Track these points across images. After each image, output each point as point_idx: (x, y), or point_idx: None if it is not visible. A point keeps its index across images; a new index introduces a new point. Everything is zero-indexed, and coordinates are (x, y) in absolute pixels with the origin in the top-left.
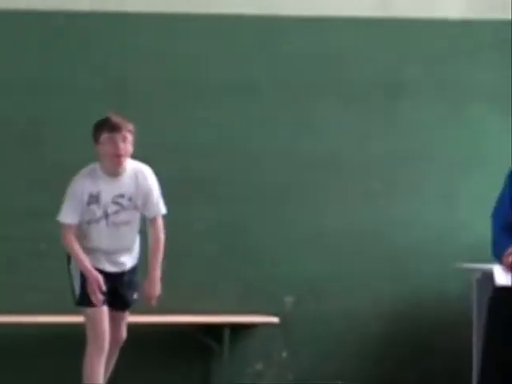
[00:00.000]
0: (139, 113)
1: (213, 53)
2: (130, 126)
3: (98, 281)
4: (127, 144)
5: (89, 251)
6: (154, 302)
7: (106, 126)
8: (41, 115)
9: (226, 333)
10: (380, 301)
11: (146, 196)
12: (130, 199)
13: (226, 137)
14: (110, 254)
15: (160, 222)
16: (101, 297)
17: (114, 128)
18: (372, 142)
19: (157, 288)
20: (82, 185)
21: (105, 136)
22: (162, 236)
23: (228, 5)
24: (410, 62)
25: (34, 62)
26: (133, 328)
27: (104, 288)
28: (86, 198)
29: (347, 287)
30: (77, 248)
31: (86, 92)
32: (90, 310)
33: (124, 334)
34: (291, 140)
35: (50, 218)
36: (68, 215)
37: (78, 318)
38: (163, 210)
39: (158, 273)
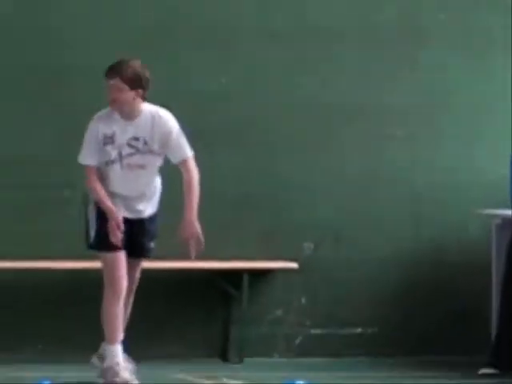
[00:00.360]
0: (164, 59)
1: None
2: (116, 74)
3: (117, 220)
4: (111, 91)
5: (108, 195)
6: (193, 246)
7: None
8: (68, 64)
9: (246, 279)
10: (400, 246)
11: (164, 140)
12: (145, 142)
13: (254, 84)
14: (127, 200)
15: (190, 165)
16: (120, 236)
17: (105, 74)
18: (395, 88)
19: (193, 230)
20: (97, 126)
21: None
22: (193, 178)
23: None
24: (435, 8)
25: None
26: (152, 274)
27: (123, 228)
28: (101, 138)
29: (366, 233)
30: (99, 188)
31: (110, 42)
32: (107, 255)
33: (137, 280)
34: (316, 88)
35: (74, 166)
36: (87, 157)
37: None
38: (189, 152)
39: (192, 215)
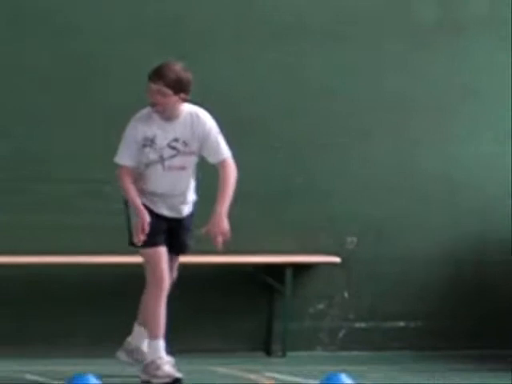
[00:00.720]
0: (199, 57)
1: None
2: (159, 78)
3: (144, 221)
4: (155, 95)
5: (147, 194)
6: (220, 239)
7: None
8: (108, 64)
9: (289, 272)
10: (441, 241)
11: (203, 140)
12: (185, 143)
13: (300, 78)
14: (167, 199)
15: (227, 164)
16: (143, 237)
17: (148, 77)
18: (435, 81)
19: (222, 225)
20: (136, 127)
21: None
22: (230, 176)
23: None
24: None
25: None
26: (197, 268)
27: (147, 230)
28: (140, 140)
29: (408, 228)
30: (130, 188)
31: (142, 35)
32: (149, 251)
33: (175, 275)
34: (356, 82)
35: (114, 162)
36: (123, 157)
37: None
38: (226, 152)
39: (222, 211)
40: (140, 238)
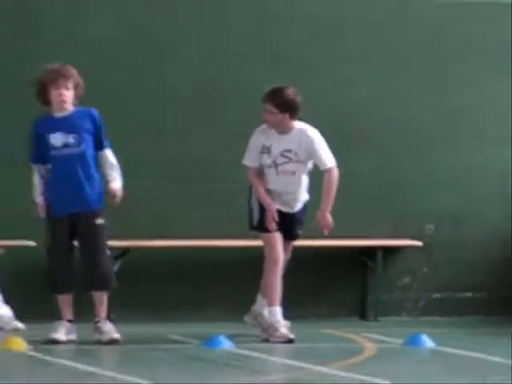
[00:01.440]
0: (292, 75)
1: None
2: (268, 99)
3: (273, 211)
4: (265, 113)
5: (267, 191)
6: (326, 231)
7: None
8: (235, 80)
9: (380, 253)
10: (503, 227)
11: (309, 153)
12: (295, 154)
13: (379, 92)
14: (280, 196)
15: (331, 171)
16: (274, 224)
17: (261, 99)
18: (495, 89)
19: (326, 221)
20: (258, 138)
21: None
22: (332, 182)
23: None
24: None
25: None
26: (309, 250)
27: (277, 218)
28: (260, 148)
29: (479, 219)
30: (259, 185)
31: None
32: (268, 235)
33: (289, 256)
34: (422, 92)
35: (239, 164)
36: (247, 159)
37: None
38: (330, 163)
39: (326, 209)
40: (272, 225)
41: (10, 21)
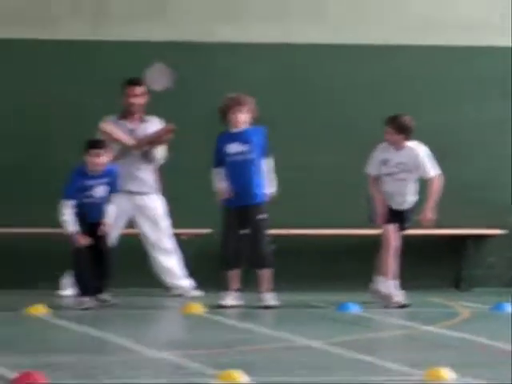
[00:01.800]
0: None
1: None
2: (389, 123)
3: (382, 211)
4: (386, 133)
5: (384, 193)
6: (428, 224)
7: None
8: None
9: (470, 240)
10: None
11: (415, 165)
12: (405, 165)
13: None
14: (392, 197)
15: (432, 181)
16: (382, 220)
17: (384, 121)
18: None
19: (427, 217)
20: (378, 152)
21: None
22: (435, 189)
23: None
24: None
25: None
26: (415, 238)
27: (387, 215)
28: (380, 160)
29: None
30: (374, 190)
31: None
32: (384, 226)
33: (399, 242)
34: (455, 109)
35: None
36: (369, 168)
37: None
38: (432, 173)
39: (427, 208)
40: (381, 219)
41: None
